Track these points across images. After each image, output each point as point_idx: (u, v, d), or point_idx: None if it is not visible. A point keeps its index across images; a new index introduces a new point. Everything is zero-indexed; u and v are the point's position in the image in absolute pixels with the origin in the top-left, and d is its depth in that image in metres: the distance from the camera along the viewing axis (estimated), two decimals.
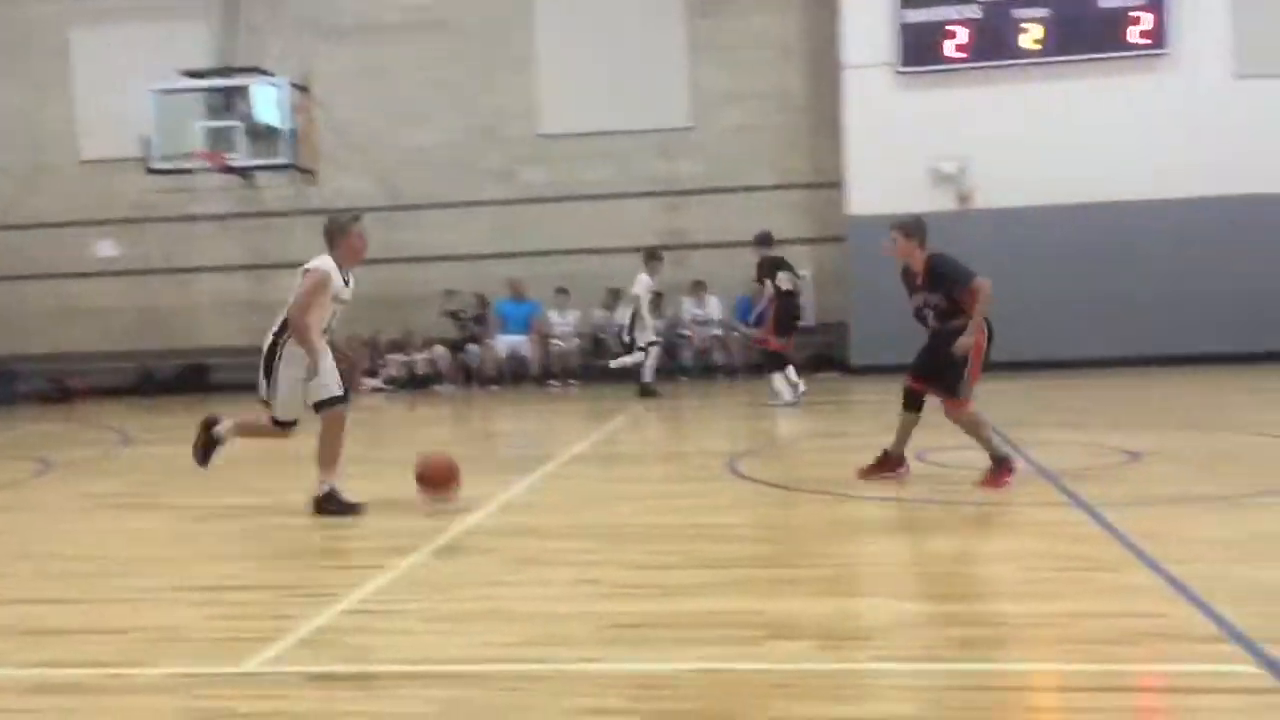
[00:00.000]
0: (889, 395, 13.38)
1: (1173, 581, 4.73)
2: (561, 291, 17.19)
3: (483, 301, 17.39)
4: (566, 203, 17.52)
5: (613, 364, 15.00)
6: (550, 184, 17.73)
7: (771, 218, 17.09)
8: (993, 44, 15.67)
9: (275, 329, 6.89)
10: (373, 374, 17.19)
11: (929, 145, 15.76)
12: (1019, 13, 15.55)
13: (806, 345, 17.03)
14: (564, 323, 17.18)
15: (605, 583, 5.13)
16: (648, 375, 14.36)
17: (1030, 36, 15.54)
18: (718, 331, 16.97)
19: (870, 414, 12.74)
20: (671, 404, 13.97)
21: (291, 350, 6.77)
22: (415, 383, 17.03)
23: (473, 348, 17.17)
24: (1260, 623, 4.10)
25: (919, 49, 15.86)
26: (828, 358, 16.77)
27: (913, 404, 7.22)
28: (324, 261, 6.85)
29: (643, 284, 14.22)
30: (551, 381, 16.67)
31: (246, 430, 7.21)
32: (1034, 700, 3.66)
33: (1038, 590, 4.81)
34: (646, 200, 17.55)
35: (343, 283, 6.89)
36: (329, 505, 6.84)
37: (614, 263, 17.03)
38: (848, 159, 16.35)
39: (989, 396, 12.61)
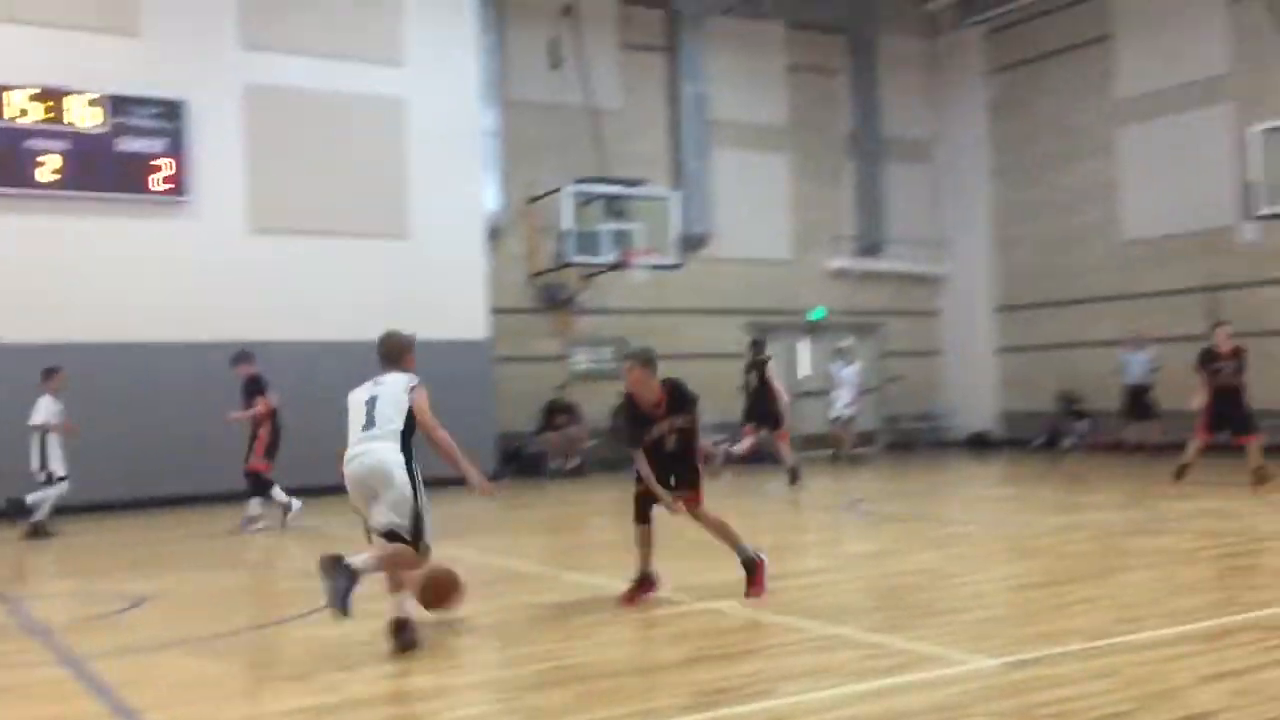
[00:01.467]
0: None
1: None
2: None
3: None
4: None
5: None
6: None
7: None
8: (9, 171, 14.90)
9: (395, 450, 6.02)
10: None
11: None
12: (36, 143, 15.01)
13: None
14: None
15: None
16: (43, 512, 12.32)
17: (48, 168, 15.07)
18: None
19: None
20: None
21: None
22: None
23: None
24: None
25: None
26: None
27: (645, 515, 7.07)
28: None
29: (45, 409, 12.52)
30: None
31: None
32: None
33: None
34: None
35: None
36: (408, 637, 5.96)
37: None
38: None
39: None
